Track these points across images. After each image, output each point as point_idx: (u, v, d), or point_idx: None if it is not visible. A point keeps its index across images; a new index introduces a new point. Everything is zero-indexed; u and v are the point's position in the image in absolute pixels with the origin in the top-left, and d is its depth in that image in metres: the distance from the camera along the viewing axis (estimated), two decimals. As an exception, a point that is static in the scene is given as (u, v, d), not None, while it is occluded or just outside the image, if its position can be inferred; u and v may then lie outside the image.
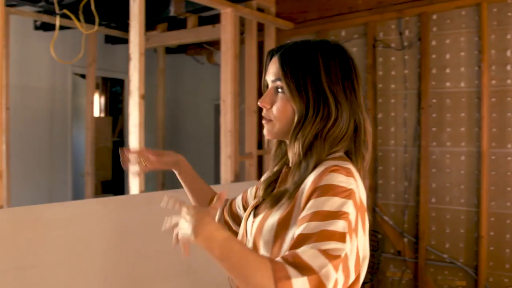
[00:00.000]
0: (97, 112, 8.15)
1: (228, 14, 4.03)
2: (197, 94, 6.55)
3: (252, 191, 1.57)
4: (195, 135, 6.60)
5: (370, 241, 4.37)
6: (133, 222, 3.19)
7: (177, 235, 1.12)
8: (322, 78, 1.23)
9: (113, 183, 7.21)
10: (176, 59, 6.30)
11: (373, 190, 4.54)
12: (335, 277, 1.01)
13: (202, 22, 4.87)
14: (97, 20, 3.57)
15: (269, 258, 1.04)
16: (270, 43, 4.76)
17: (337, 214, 1.07)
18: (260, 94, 4.73)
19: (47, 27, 5.27)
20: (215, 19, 4.86)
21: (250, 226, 1.33)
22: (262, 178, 1.45)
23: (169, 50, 5.99)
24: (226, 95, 4.06)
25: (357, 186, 1.16)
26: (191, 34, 4.79)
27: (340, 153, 1.26)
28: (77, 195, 6.16)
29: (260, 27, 4.69)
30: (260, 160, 4.85)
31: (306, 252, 1.02)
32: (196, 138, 6.59)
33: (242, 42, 4.62)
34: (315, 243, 1.02)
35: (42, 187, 5.49)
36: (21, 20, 4.92)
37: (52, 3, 4.02)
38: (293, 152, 1.27)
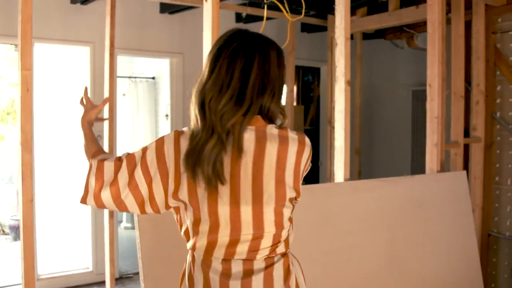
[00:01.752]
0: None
1: (434, -7, 3.79)
2: (394, 80, 6.33)
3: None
4: (391, 122, 6.41)
5: None
6: (339, 209, 3.16)
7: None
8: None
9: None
10: (372, 44, 6.15)
11: None
12: None
13: (403, 4, 4.66)
14: (304, 8, 3.59)
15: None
16: (478, 22, 4.40)
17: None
18: (467, 76, 4.41)
19: (248, 19, 5.46)
20: (415, 0, 4.63)
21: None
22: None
23: (366, 36, 5.86)
24: (433, 79, 3.83)
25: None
26: (393, 17, 4.62)
27: None
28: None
29: (467, 6, 4.35)
30: (466, 149, 4.52)
31: None
32: (392, 125, 6.39)
33: (447, 22, 4.33)
34: None
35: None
36: (224, 14, 5.16)
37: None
38: None
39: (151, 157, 1.54)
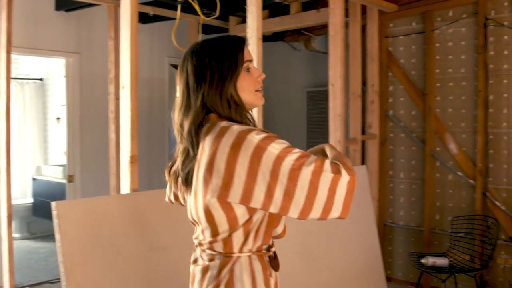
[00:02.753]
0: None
1: (336, -3, 4.00)
2: (289, 81, 6.55)
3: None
4: (287, 123, 6.61)
5: (480, 226, 4.29)
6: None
7: None
8: None
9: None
10: (270, 46, 6.31)
11: (483, 174, 4.41)
12: None
13: (304, 7, 4.86)
14: (218, 8, 3.63)
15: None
16: (372, 27, 4.70)
17: None
18: (363, 77, 4.68)
19: (145, 18, 5.40)
20: (315, 4, 4.83)
21: None
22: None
23: (265, 38, 6.00)
24: (335, 79, 4.04)
25: None
26: (294, 20, 4.79)
27: None
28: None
29: (363, 11, 4.63)
30: (364, 145, 4.80)
31: None
32: (288, 126, 6.60)
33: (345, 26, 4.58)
34: None
35: (142, 175, 5.66)
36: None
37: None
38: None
39: None
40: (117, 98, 4.28)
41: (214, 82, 1.55)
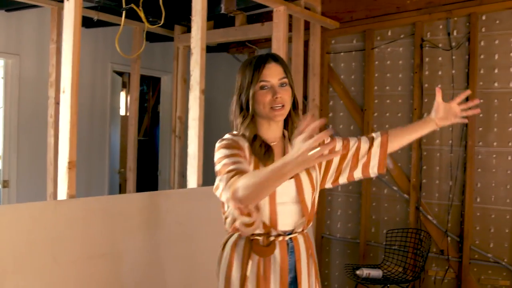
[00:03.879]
0: (123, 110, 8.25)
1: (281, 12, 4.09)
2: (231, 92, 6.58)
3: (242, 151, 1.97)
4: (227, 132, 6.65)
5: (413, 239, 4.45)
6: (193, 214, 3.25)
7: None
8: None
9: (140, 181, 7.25)
10: (213, 57, 6.35)
11: (416, 189, 4.58)
12: None
13: (249, 20, 4.92)
14: (163, 15, 3.64)
15: None
16: (315, 42, 4.81)
17: None
18: (305, 91, 4.77)
19: (89, 23, 5.34)
20: (260, 18, 4.91)
21: (290, 185, 1.96)
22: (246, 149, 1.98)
23: (209, 49, 6.02)
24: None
25: None
26: (239, 32, 4.85)
27: None
28: (112, 191, 6.21)
29: (305, 26, 4.74)
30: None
31: None
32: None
33: (289, 41, 4.67)
34: None
35: (81, 181, 5.55)
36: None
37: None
38: (295, 122, 2.03)
39: None
40: (57, 103, 4.21)
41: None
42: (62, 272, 2.65)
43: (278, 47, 4.11)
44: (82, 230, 2.76)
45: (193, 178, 3.52)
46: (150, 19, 4.18)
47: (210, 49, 6.00)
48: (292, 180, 1.93)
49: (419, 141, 4.54)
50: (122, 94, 7.97)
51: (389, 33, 4.73)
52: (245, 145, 1.95)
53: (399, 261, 4.55)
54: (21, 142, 5.21)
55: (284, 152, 2.00)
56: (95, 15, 4.47)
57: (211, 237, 3.28)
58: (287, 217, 1.95)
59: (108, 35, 5.52)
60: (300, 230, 1.99)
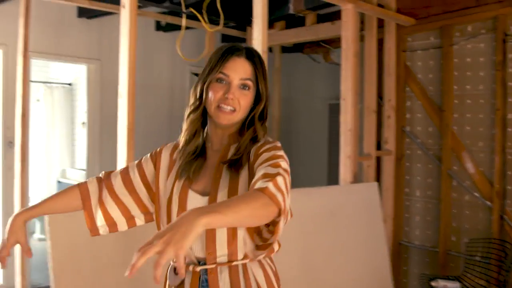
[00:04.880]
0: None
1: (349, 11, 3.94)
2: (311, 93, 6.49)
3: (136, 178, 1.69)
4: (308, 134, 6.55)
5: (497, 250, 4.12)
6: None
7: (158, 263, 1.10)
8: (267, 80, 1.63)
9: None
10: (291, 58, 6.28)
11: (500, 196, 4.25)
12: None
13: (320, 19, 4.81)
14: (222, 19, 3.62)
15: (253, 191, 1.33)
16: (390, 40, 4.61)
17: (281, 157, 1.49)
18: (379, 91, 4.59)
19: (168, 27, 5.45)
20: (333, 16, 4.78)
21: (199, 203, 1.53)
22: (162, 158, 1.69)
23: (285, 49, 5.98)
24: (346, 93, 3.97)
25: None
26: (310, 32, 4.75)
27: None
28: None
29: (380, 24, 4.55)
30: (378, 161, 4.70)
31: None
32: (309, 138, 6.53)
33: (361, 39, 4.51)
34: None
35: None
36: (144, 21, 5.12)
37: (176, 3, 4.13)
38: (259, 133, 1.61)
39: None
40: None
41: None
42: (118, 272, 2.68)
43: (347, 47, 3.97)
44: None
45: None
46: (217, 21, 4.20)
47: (285, 49, 5.96)
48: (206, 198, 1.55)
49: (503, 144, 4.21)
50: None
51: (469, 29, 4.42)
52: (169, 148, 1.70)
53: (481, 274, 4.24)
54: (104, 144, 5.42)
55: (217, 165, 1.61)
56: (163, 19, 4.53)
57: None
58: (197, 240, 1.53)
59: (186, 38, 5.61)
60: (223, 260, 1.53)
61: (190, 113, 1.62)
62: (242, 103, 1.57)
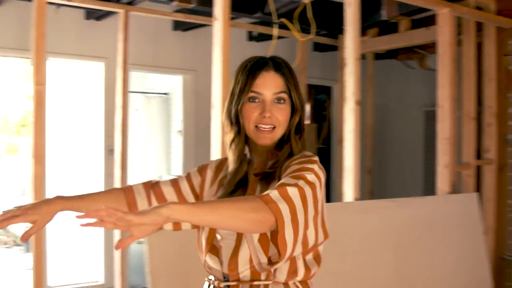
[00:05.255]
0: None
1: (445, 15, 3.81)
2: (406, 100, 6.33)
3: (186, 187, 1.64)
4: (403, 142, 6.39)
5: None
6: (348, 229, 3.15)
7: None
8: (301, 92, 1.55)
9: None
10: (384, 64, 6.15)
11: None
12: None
13: (415, 25, 4.68)
14: (313, 27, 3.61)
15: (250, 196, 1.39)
16: (490, 44, 4.40)
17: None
18: (478, 99, 4.40)
19: (259, 37, 5.52)
20: (427, 21, 4.63)
21: None
22: (209, 171, 1.66)
23: (378, 56, 5.87)
24: (443, 101, 3.83)
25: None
26: (404, 38, 4.64)
27: None
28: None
29: (478, 28, 4.36)
30: (478, 170, 4.48)
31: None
32: (404, 145, 6.37)
33: (458, 44, 4.34)
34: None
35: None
36: (236, 32, 5.21)
37: (267, 14, 4.18)
38: (296, 147, 1.52)
39: None
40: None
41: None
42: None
43: (444, 52, 3.83)
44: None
45: (349, 192, 3.42)
46: (308, 30, 4.20)
47: (378, 56, 5.85)
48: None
49: None
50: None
51: None
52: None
53: None
54: (198, 152, 5.55)
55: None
56: (254, 29, 4.58)
57: (367, 256, 3.17)
58: (225, 256, 1.48)
59: (278, 47, 5.65)
60: (246, 279, 1.45)
61: (231, 141, 1.54)
62: (280, 118, 1.49)
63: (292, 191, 1.29)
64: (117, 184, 4.48)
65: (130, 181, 4.44)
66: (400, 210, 3.44)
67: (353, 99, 3.36)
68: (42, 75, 3.15)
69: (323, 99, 9.18)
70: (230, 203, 1.26)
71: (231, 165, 1.56)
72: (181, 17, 4.62)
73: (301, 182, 1.32)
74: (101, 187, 5.16)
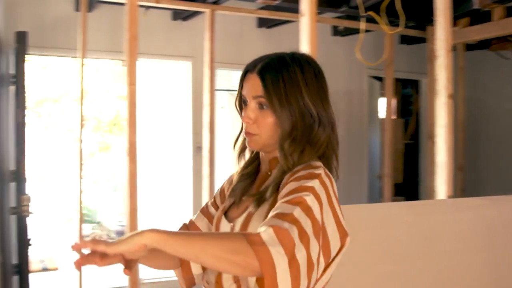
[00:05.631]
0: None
1: (545, 1, 3.59)
2: (500, 92, 6.04)
3: (214, 211, 1.55)
4: (499, 138, 6.10)
5: None
6: (441, 228, 3.05)
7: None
8: (303, 93, 1.36)
9: (404, 186, 7.09)
10: (476, 55, 5.90)
11: None
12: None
13: (510, 13, 4.44)
14: (402, 19, 3.51)
15: (237, 233, 1.26)
16: None
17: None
18: None
19: (345, 32, 5.44)
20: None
21: (226, 229, 1.40)
22: (226, 183, 1.56)
23: (469, 47, 5.63)
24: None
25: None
26: (498, 27, 4.40)
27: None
28: (372, 197, 6.22)
29: None
30: None
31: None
32: (500, 141, 6.08)
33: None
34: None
35: (340, 189, 5.69)
36: (321, 27, 5.16)
37: (353, 7, 4.11)
38: (286, 159, 1.34)
39: None
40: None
41: None
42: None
43: (543, 41, 3.62)
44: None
45: (441, 189, 3.31)
46: (397, 22, 4.08)
47: (470, 47, 5.62)
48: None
49: None
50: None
51: None
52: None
53: None
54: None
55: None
56: (340, 24, 4.53)
57: (461, 256, 3.05)
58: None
59: (364, 41, 5.56)
60: None
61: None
62: (261, 124, 1.36)
63: (291, 229, 1.13)
64: (206, 180, 4.57)
65: (218, 177, 4.52)
66: (496, 208, 3.28)
67: (445, 93, 3.24)
68: (134, 75, 3.26)
69: (409, 93, 8.95)
70: (208, 238, 1.13)
71: (234, 176, 1.50)
72: (265, 14, 4.63)
73: (296, 212, 1.16)
74: (189, 184, 5.29)
